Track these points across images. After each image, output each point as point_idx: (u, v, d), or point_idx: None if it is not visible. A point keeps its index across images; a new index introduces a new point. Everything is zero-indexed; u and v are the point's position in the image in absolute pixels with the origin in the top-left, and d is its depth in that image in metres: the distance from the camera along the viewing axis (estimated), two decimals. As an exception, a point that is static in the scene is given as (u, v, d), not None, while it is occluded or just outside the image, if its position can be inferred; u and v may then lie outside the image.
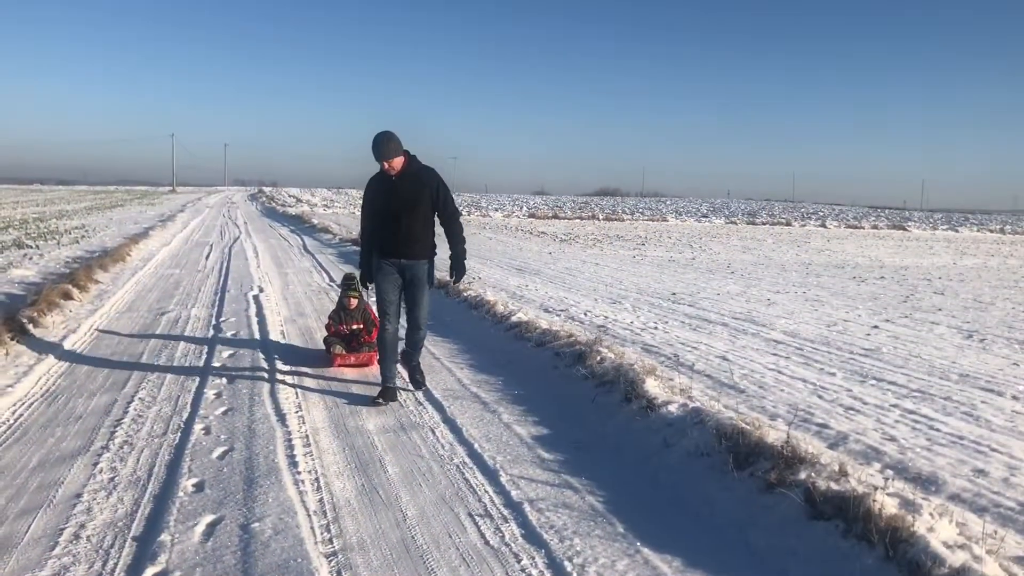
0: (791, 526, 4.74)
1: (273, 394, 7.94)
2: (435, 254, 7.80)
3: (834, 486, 4.82)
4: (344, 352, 9.15)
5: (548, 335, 9.86)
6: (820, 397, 8.07)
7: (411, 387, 8.17)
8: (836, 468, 5.06)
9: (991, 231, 63.74)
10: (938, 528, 4.28)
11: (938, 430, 7.01)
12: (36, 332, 10.32)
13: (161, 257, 21.46)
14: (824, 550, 4.45)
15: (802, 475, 5.06)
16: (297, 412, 7.38)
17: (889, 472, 5.56)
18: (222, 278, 17.29)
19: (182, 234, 30.92)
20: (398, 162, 7.35)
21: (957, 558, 3.99)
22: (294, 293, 15.40)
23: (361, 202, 7.75)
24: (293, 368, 8.99)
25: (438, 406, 7.68)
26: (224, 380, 8.47)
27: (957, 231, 62.01)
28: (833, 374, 9.26)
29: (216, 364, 9.20)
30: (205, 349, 10.00)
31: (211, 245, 26.13)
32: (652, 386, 7.28)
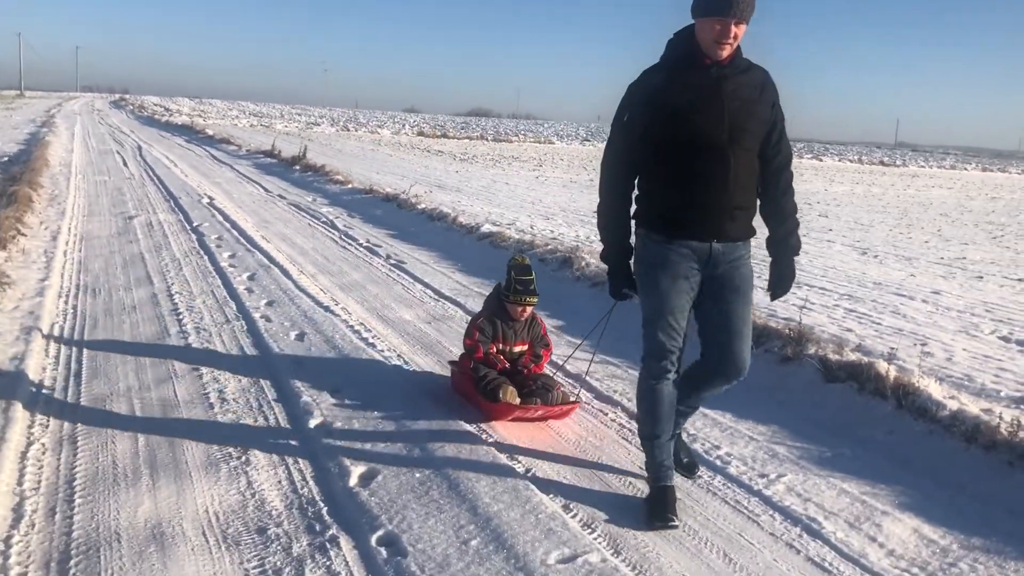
0: (813, 387, 6.03)
1: (302, 289, 8.66)
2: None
3: (842, 357, 6.12)
4: (519, 402, 5.34)
5: (525, 244, 10.85)
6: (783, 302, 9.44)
7: (682, 473, 4.73)
8: (838, 345, 6.37)
9: (850, 161, 68.36)
10: (931, 388, 5.62)
11: (879, 324, 8.49)
12: (27, 232, 10.51)
13: (78, 163, 21.00)
14: (845, 403, 5.76)
15: (811, 350, 6.34)
16: (336, 304, 8.17)
17: (891, 352, 6.93)
18: (161, 186, 17.32)
19: (76, 142, 29.81)
20: (741, 32, 3.81)
21: (952, 404, 5.35)
22: (244, 202, 15.73)
23: (613, 124, 4.10)
24: (301, 268, 9.70)
25: (456, 303, 8.61)
26: (243, 276, 9.10)
27: (821, 160, 66.16)
28: (772, 281, 10.68)
29: (223, 264, 9.77)
30: (201, 250, 10.51)
31: (117, 153, 25.51)
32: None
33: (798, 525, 4.25)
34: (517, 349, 5.75)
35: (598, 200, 4.25)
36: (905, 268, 12.78)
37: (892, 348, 6.78)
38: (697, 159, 3.89)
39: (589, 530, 4.10)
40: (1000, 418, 5.09)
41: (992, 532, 4.21)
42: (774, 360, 6.52)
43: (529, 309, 5.71)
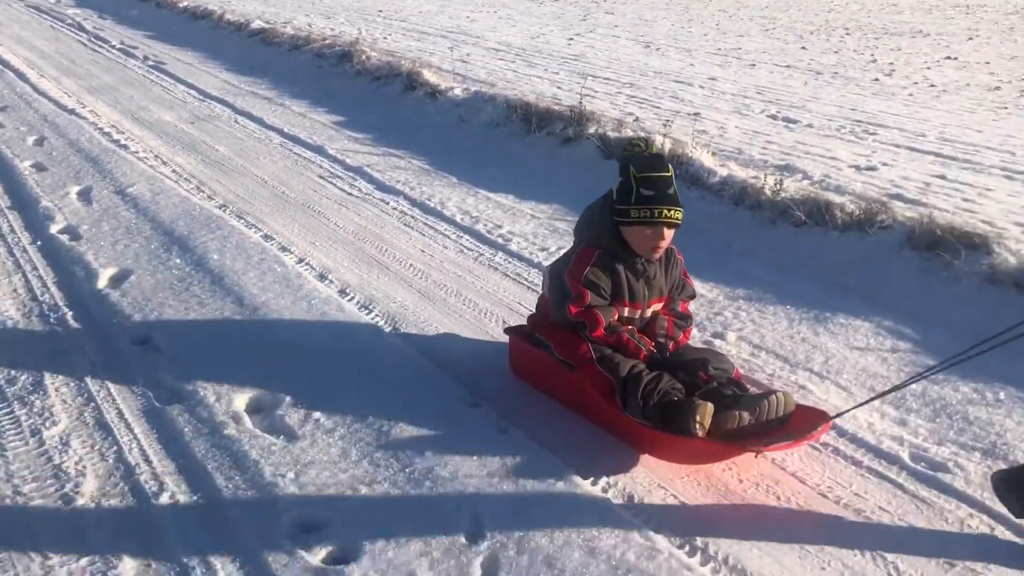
0: (592, 165, 6.04)
1: (42, 93, 7.68)
2: None
3: (620, 135, 6.13)
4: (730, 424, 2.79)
5: (300, 40, 10.10)
6: (560, 88, 9.34)
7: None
8: (617, 123, 6.35)
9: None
10: (703, 158, 5.73)
11: (659, 108, 8.59)
12: None
13: None
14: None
15: (591, 130, 6.30)
16: (83, 107, 7.30)
17: (666, 124, 6.97)
18: None
19: None
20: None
21: (722, 172, 5.49)
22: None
23: None
24: (41, 71, 8.58)
25: (224, 103, 7.93)
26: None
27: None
28: (558, 73, 10.56)
29: None
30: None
31: None
32: (431, 77, 8.06)
33: (577, 291, 4.26)
34: (651, 310, 3.24)
35: None
36: (685, 59, 12.99)
37: (667, 121, 6.85)
38: None
39: (366, 311, 3.93)
40: (764, 182, 5.27)
41: (754, 283, 4.39)
42: (556, 142, 6.44)
43: (670, 236, 3.11)
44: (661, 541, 2.51)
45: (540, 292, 3.47)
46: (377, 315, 3.90)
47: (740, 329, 3.90)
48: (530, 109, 6.82)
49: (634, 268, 3.12)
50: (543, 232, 5.06)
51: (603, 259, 3.10)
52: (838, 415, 2.87)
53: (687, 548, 2.51)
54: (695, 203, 5.31)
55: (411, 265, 4.49)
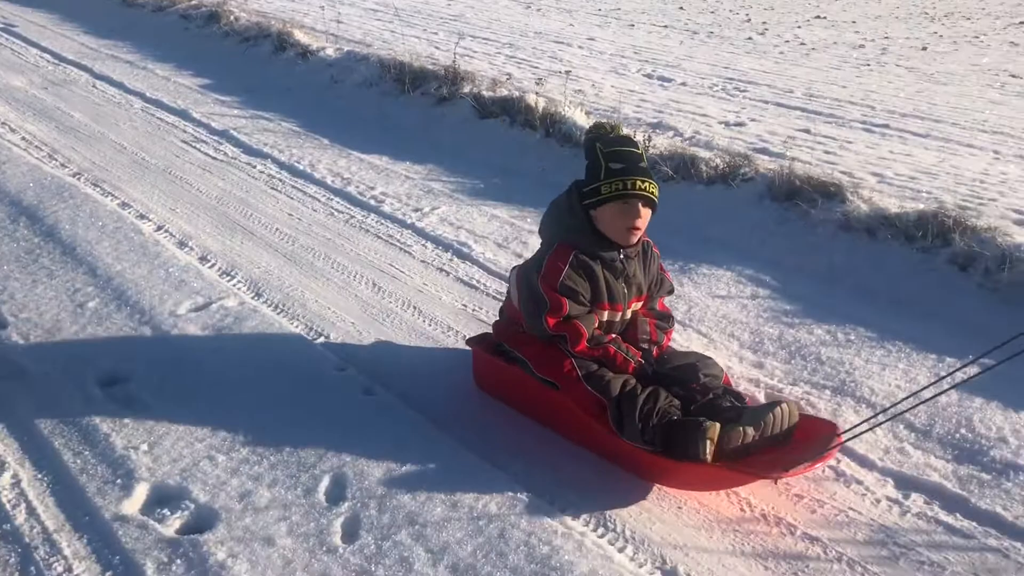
0: (467, 124, 5.98)
1: None
2: None
3: (495, 94, 6.08)
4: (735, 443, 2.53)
5: (165, 0, 9.64)
6: (438, 48, 9.22)
7: None
8: (491, 82, 6.31)
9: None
10: (576, 116, 5.75)
11: (537, 67, 8.58)
12: None
13: None
14: (498, 135, 5.76)
15: (467, 89, 6.24)
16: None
17: (538, 82, 6.95)
18: None
19: None
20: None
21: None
22: None
23: None
24: None
25: (81, 67, 7.54)
26: None
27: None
28: (436, 33, 10.42)
29: None
30: None
31: None
32: (302, 37, 7.84)
33: (449, 251, 4.23)
34: (631, 310, 2.96)
35: None
36: (565, 19, 13.02)
37: (539, 79, 6.85)
38: None
39: (228, 277, 3.81)
40: (636, 137, 5.31)
41: (626, 238, 4.44)
42: (431, 102, 6.35)
43: (647, 216, 2.84)
44: (523, 493, 2.53)
45: (505, 296, 3.09)
46: (239, 281, 3.78)
47: (609, 283, 3.95)
48: (404, 69, 6.69)
49: (612, 266, 2.83)
50: (417, 193, 4.99)
51: (578, 259, 2.79)
52: (849, 431, 2.57)
53: (547, 497, 2.53)
54: (567, 162, 5.33)
55: (277, 229, 4.37)
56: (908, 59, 10.45)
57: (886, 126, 6.68)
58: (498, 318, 3.11)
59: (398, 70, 6.72)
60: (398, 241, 4.32)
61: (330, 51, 7.46)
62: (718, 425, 2.47)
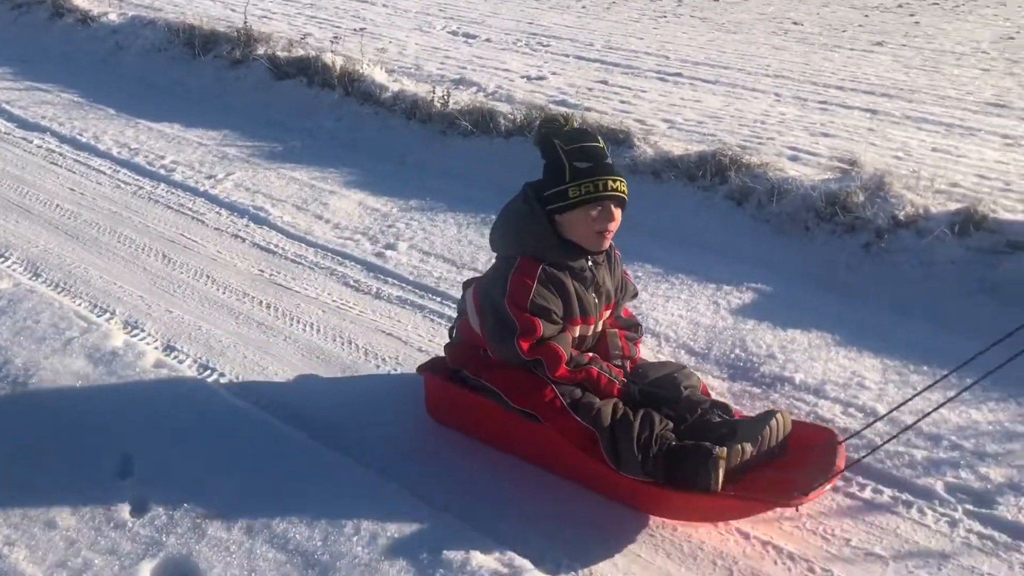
0: (262, 87, 5.81)
1: None
2: None
3: (291, 54, 5.94)
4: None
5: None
6: (233, 11, 8.86)
7: None
8: (287, 43, 6.15)
9: None
10: (375, 74, 5.70)
11: (340, 27, 8.43)
12: None
13: None
14: (295, 96, 5.63)
15: (261, 51, 6.05)
16: None
17: (333, 40, 6.80)
18: None
19: None
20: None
21: (394, 87, 5.49)
22: None
23: None
24: None
25: None
26: None
27: None
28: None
29: None
30: None
31: None
32: (81, 2, 7.38)
33: (245, 216, 4.12)
34: (602, 321, 2.72)
35: None
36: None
37: (335, 37, 6.74)
38: None
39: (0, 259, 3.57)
40: (435, 95, 5.32)
41: (427, 193, 4.46)
42: (223, 65, 6.12)
43: (619, 217, 2.54)
44: (295, 432, 2.56)
45: (457, 317, 2.78)
46: (15, 262, 3.56)
47: (411, 238, 3.96)
48: (194, 32, 6.42)
49: (581, 277, 2.54)
50: (211, 159, 4.83)
51: (547, 273, 2.48)
52: (850, 437, 2.47)
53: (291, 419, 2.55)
54: (367, 120, 5.30)
55: (58, 206, 4.13)
56: (702, 10, 10.92)
57: (679, 75, 6.98)
58: (449, 340, 2.77)
59: (188, 34, 6.44)
60: (190, 210, 4.17)
61: (113, 16, 7.04)
62: (726, 450, 2.25)
